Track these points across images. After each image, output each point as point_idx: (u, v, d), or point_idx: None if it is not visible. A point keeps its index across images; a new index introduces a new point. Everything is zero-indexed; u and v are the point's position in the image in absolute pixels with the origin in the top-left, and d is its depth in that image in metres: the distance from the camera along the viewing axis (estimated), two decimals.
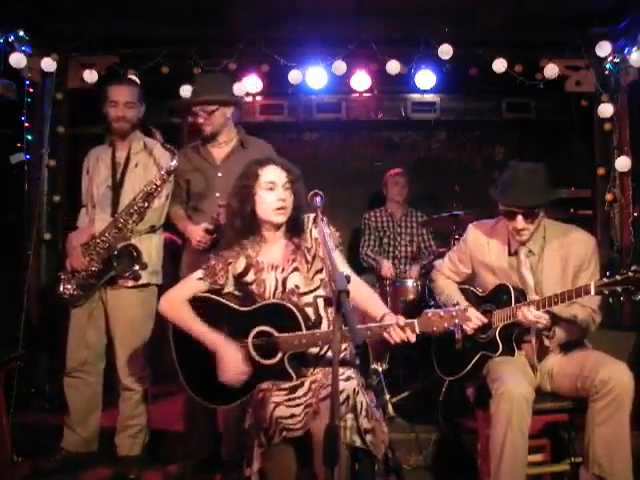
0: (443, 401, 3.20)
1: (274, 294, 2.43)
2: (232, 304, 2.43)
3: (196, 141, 3.27)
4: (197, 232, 3.05)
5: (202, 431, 3.13)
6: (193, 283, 2.48)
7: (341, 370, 2.33)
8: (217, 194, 3.09)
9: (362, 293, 2.44)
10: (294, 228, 2.48)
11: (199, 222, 3.10)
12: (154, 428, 3.32)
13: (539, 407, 2.53)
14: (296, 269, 2.44)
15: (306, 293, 2.42)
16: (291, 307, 2.33)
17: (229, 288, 2.50)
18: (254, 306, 2.41)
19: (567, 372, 2.60)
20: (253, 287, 2.45)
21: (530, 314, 2.50)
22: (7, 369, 3.08)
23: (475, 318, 2.63)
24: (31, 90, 4.31)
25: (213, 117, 3.12)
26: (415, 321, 2.24)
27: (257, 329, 2.37)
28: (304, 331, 2.30)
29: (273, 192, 2.41)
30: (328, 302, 2.38)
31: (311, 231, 2.49)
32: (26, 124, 4.23)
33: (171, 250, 4.55)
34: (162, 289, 3.27)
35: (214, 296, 2.46)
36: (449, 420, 3.20)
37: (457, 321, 2.22)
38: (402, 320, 2.23)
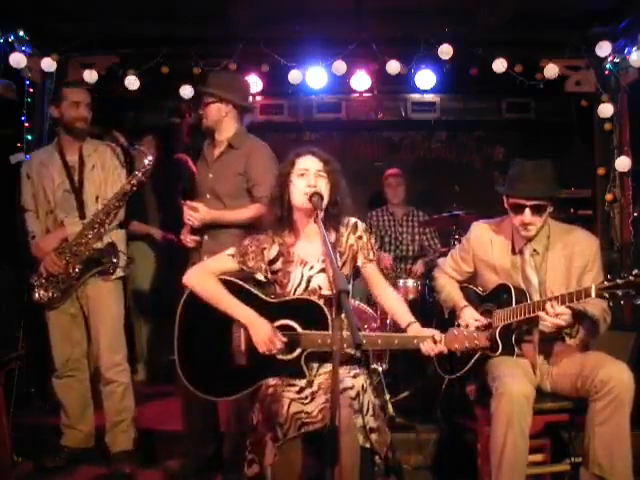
0: (443, 400, 3.20)
1: (296, 289, 2.44)
2: (258, 293, 2.43)
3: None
4: (184, 231, 3.12)
5: (200, 430, 3.12)
6: (223, 258, 2.51)
7: (347, 368, 2.36)
8: (208, 196, 3.10)
9: (390, 298, 2.52)
10: (330, 223, 2.48)
11: None
12: (152, 428, 3.32)
13: (539, 407, 2.53)
14: (323, 270, 2.45)
15: (327, 296, 2.41)
16: (321, 305, 2.33)
17: (260, 275, 2.50)
18: (283, 298, 2.41)
19: (567, 372, 2.59)
20: (278, 276, 2.47)
21: (552, 310, 2.44)
22: (7, 369, 3.08)
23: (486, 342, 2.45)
24: (31, 90, 4.31)
25: (208, 109, 3.11)
26: (443, 336, 2.29)
27: (281, 322, 2.36)
28: (331, 331, 2.29)
29: (304, 178, 2.43)
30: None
31: (348, 237, 2.51)
32: (26, 124, 4.23)
33: (169, 251, 4.56)
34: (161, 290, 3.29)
35: (239, 281, 2.46)
36: (449, 419, 3.20)
37: (477, 342, 2.27)
38: (438, 334, 2.29)
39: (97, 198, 3.18)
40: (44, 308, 3.19)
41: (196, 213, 2.98)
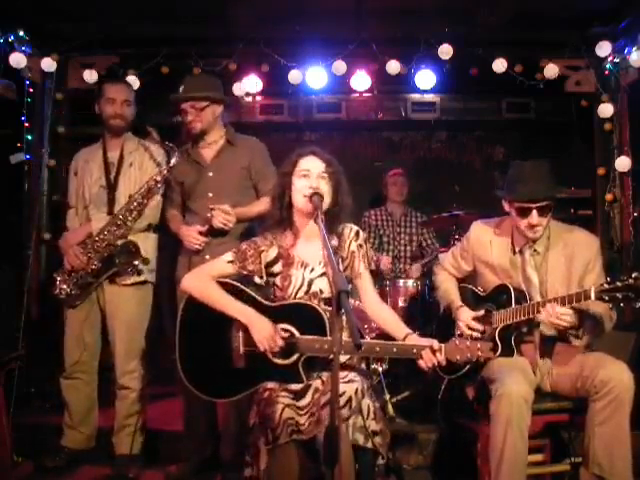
0: (443, 400, 3.20)
1: (297, 292, 2.43)
2: (257, 296, 2.42)
3: (187, 144, 3.23)
4: (190, 233, 3.04)
5: (201, 431, 3.12)
6: (221, 264, 2.49)
7: (344, 373, 2.33)
8: (210, 194, 3.08)
9: (383, 311, 2.51)
10: (330, 224, 2.46)
11: (192, 223, 3.09)
12: (153, 428, 3.32)
13: (539, 407, 2.53)
14: (325, 274, 2.43)
15: (328, 300, 2.41)
16: (319, 310, 2.31)
17: (259, 278, 2.49)
18: (281, 302, 2.40)
19: (567, 372, 2.59)
20: (277, 279, 2.46)
21: (553, 311, 2.44)
22: (7, 369, 3.07)
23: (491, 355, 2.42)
24: (31, 90, 4.31)
25: (203, 114, 3.09)
26: (443, 346, 2.26)
27: (279, 326, 2.35)
28: (328, 336, 2.28)
29: (306, 179, 2.42)
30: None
31: (350, 243, 2.51)
32: (26, 124, 4.24)
33: (170, 252, 4.55)
34: (158, 289, 3.29)
35: (239, 284, 2.44)
36: (449, 419, 3.20)
37: (480, 354, 2.24)
38: (436, 344, 2.25)
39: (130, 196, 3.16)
40: (63, 306, 3.18)
41: (229, 216, 2.95)
